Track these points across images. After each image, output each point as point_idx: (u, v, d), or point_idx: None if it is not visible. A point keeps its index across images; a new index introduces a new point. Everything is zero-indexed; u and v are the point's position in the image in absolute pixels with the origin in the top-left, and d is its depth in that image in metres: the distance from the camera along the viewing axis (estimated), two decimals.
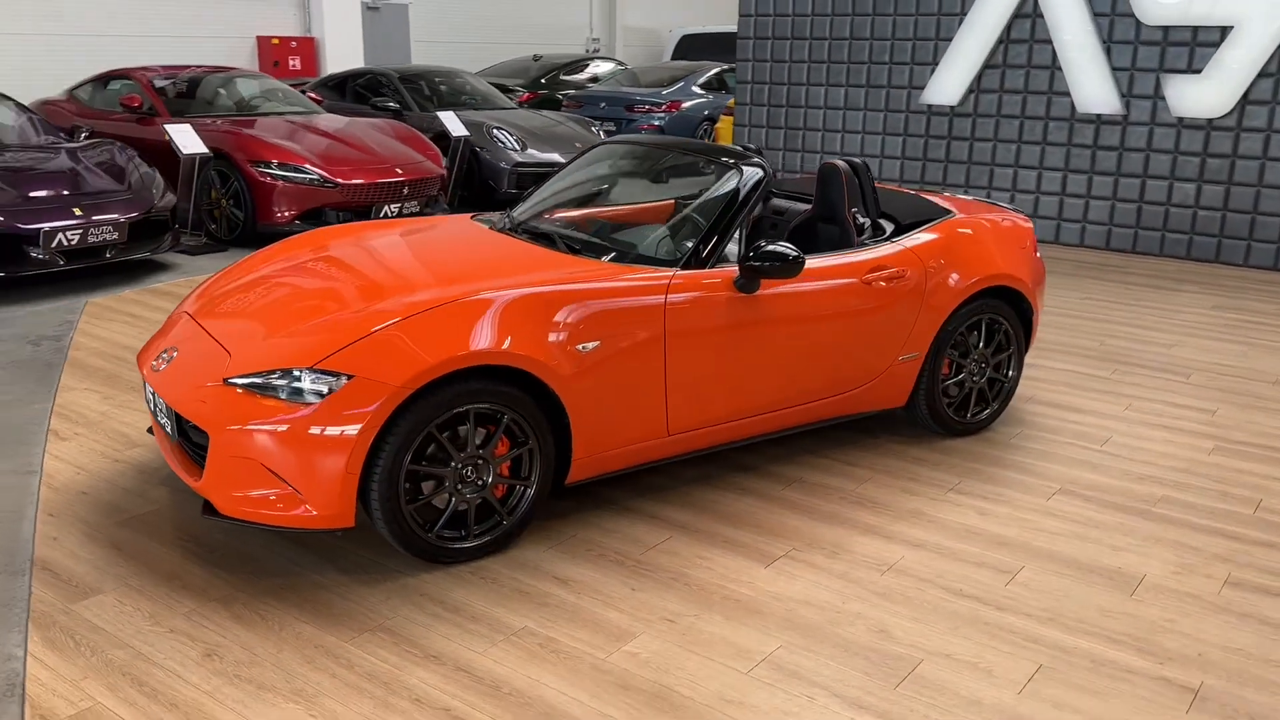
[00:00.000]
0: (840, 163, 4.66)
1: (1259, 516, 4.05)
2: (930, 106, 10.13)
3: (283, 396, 3.27)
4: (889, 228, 4.76)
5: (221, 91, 10.28)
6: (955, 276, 4.60)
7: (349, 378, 3.25)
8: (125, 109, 9.61)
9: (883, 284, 4.40)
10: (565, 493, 4.06)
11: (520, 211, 4.73)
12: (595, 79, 17.50)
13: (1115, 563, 3.68)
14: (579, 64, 17.94)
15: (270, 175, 8.56)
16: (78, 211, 7.05)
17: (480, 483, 3.51)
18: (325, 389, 3.24)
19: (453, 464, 3.44)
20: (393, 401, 3.23)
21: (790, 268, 3.89)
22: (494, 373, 3.44)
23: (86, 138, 8.50)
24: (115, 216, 7.20)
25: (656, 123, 14.58)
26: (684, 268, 3.95)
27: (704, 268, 3.97)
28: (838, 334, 4.30)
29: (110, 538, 3.68)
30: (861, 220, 4.73)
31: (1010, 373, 4.94)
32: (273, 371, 3.33)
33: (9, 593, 3.33)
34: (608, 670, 2.99)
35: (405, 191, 9.09)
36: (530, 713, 2.80)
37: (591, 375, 3.62)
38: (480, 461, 3.49)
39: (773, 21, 11.08)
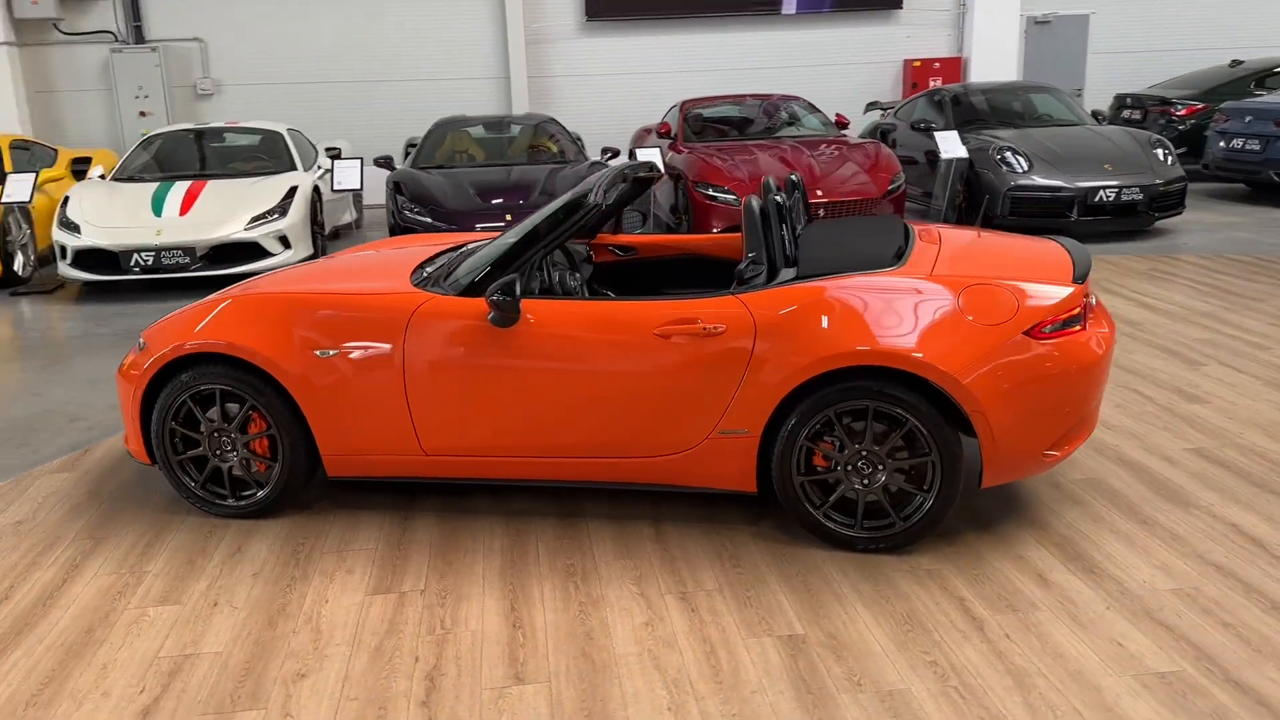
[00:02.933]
0: (753, 199, 3.95)
1: None
2: None
3: None
4: (790, 274, 3.80)
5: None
6: (799, 347, 3.57)
7: None
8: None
9: (684, 341, 3.64)
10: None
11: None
12: None
13: None
14: None
15: (704, 196, 9.12)
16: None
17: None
18: None
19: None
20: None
21: (501, 311, 3.71)
22: None
23: None
24: None
25: None
26: (461, 294, 3.85)
27: (476, 295, 3.85)
28: (621, 389, 3.76)
29: None
30: (744, 263, 3.90)
31: (927, 487, 3.62)
32: None
33: None
34: None
35: (820, 214, 8.89)
36: None
37: (326, 379, 3.92)
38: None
39: None
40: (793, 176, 4.80)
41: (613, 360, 3.75)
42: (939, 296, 3.61)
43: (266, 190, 8.98)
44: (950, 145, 9.81)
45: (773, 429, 3.71)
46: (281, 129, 10.37)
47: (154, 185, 9.10)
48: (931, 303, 3.59)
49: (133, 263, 8.39)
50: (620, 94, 14.66)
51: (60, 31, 13.36)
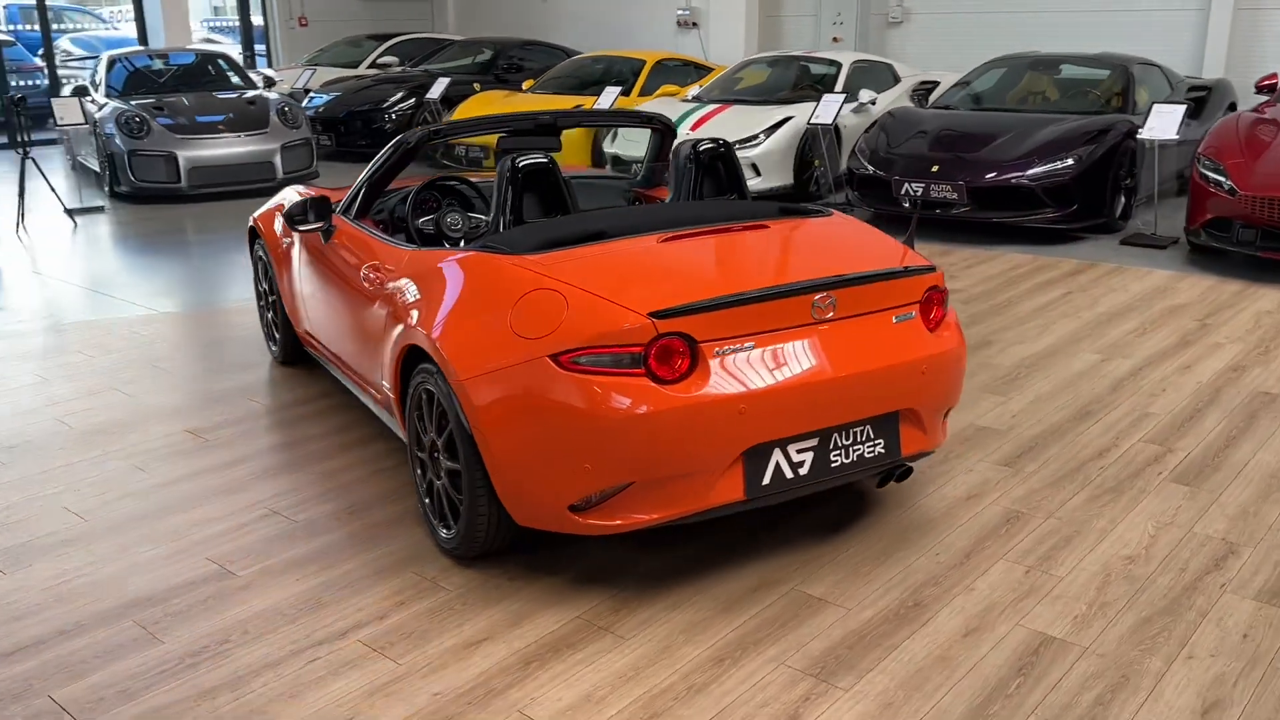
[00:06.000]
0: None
1: None
2: None
3: None
4: None
5: None
6: (404, 320, 3.42)
7: None
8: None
9: (374, 276, 3.78)
10: None
11: None
12: None
13: None
14: None
15: (1200, 174, 6.93)
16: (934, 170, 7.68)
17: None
18: None
19: None
20: None
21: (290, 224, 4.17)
22: None
23: None
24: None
25: None
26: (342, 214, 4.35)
27: (345, 215, 4.32)
28: (351, 315, 4.00)
29: None
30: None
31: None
32: None
33: None
34: None
35: None
36: None
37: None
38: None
39: None
40: None
41: (347, 285, 3.98)
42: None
43: (760, 117, 9.38)
44: None
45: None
46: (847, 59, 10.46)
47: (681, 107, 10.12)
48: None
49: (632, 171, 9.64)
50: None
51: None
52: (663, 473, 2.84)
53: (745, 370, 2.86)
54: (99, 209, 9.56)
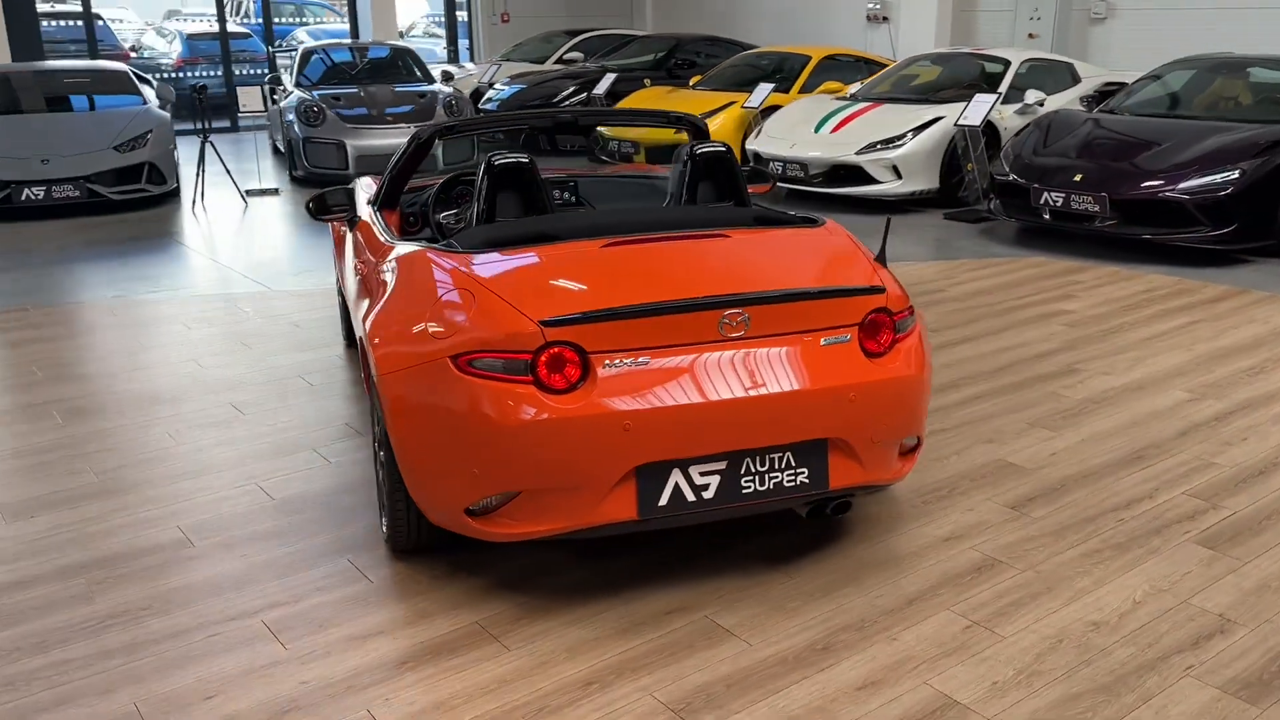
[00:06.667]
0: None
1: None
2: None
3: None
4: None
5: None
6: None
7: None
8: None
9: (361, 266, 3.97)
10: None
11: None
12: None
13: None
14: None
15: None
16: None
17: None
18: None
19: None
20: None
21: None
22: None
23: None
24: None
25: None
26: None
27: (372, 207, 4.35)
28: (354, 300, 4.06)
29: None
30: None
31: None
32: None
33: None
34: None
35: None
36: None
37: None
38: None
39: None
40: None
41: (355, 274, 4.13)
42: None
43: (908, 116, 8.94)
44: None
45: None
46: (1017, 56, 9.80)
47: (830, 105, 9.78)
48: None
49: (769, 169, 9.44)
50: None
51: None
52: (548, 484, 2.77)
53: (635, 385, 2.74)
54: (274, 191, 10.29)
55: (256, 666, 2.80)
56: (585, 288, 2.85)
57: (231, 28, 19.15)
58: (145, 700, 2.66)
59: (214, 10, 15.82)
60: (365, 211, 4.34)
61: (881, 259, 3.27)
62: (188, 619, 3.02)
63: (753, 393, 2.80)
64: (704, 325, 2.79)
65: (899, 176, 8.78)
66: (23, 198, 8.85)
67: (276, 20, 25.43)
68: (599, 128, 11.43)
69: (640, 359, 2.76)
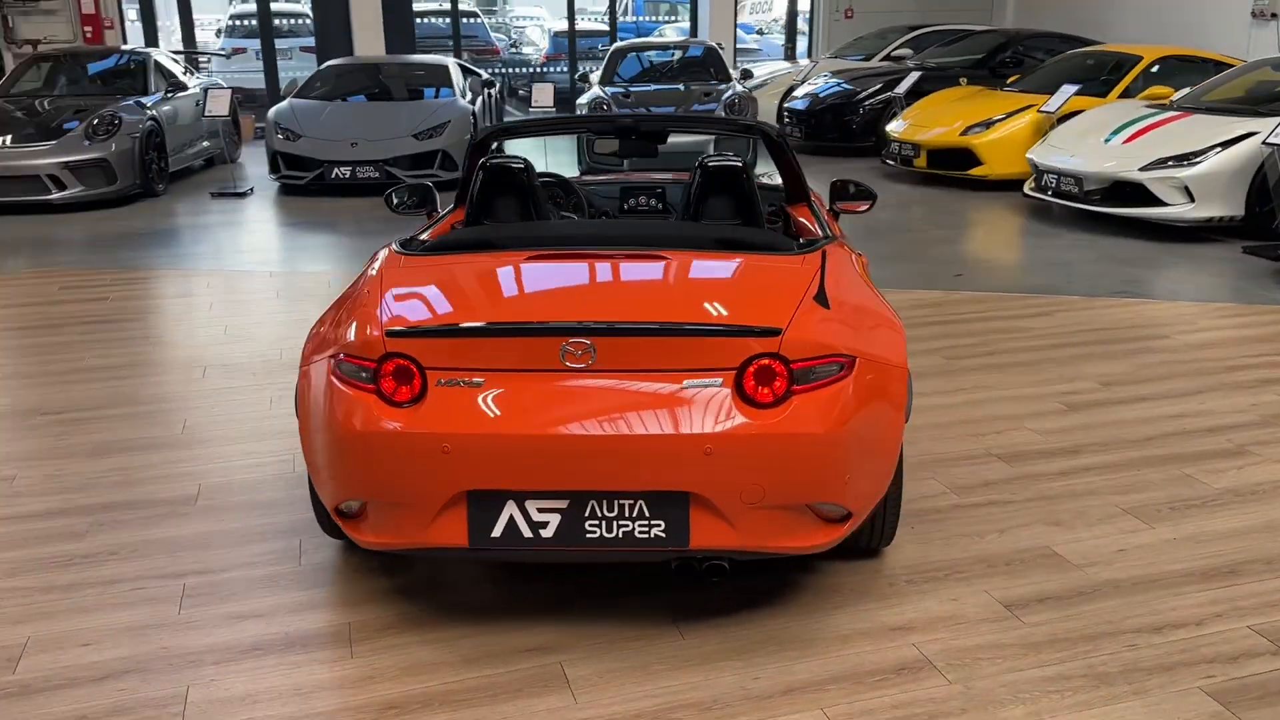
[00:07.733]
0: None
1: None
2: None
3: None
4: None
5: None
6: None
7: None
8: None
9: None
10: None
11: None
12: None
13: None
14: None
15: None
16: None
17: None
18: None
19: None
20: None
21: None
22: None
23: None
24: None
25: None
26: None
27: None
28: None
29: None
30: None
31: None
32: None
33: None
34: None
35: None
36: None
37: None
38: None
39: None
40: None
41: None
42: None
43: (1213, 130, 7.60)
44: None
45: None
46: None
47: (1135, 112, 8.52)
48: None
49: (1041, 184, 8.42)
50: None
51: None
52: (385, 497, 2.70)
53: (462, 407, 2.59)
54: None
55: (141, 624, 3.00)
56: (447, 301, 2.74)
57: (591, 26, 20.31)
58: (39, 639, 2.93)
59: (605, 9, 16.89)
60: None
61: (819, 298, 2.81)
62: (129, 570, 3.29)
63: (594, 431, 2.55)
64: (545, 352, 2.58)
65: (1191, 199, 7.51)
66: (333, 176, 10.00)
67: (652, 18, 26.65)
68: (887, 128, 10.86)
69: (474, 380, 2.61)
